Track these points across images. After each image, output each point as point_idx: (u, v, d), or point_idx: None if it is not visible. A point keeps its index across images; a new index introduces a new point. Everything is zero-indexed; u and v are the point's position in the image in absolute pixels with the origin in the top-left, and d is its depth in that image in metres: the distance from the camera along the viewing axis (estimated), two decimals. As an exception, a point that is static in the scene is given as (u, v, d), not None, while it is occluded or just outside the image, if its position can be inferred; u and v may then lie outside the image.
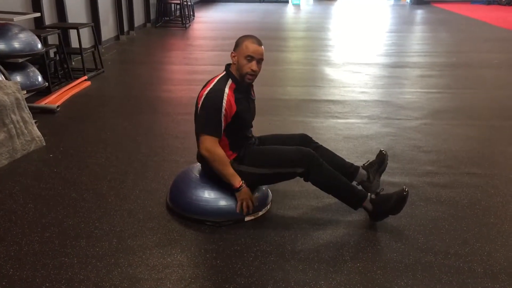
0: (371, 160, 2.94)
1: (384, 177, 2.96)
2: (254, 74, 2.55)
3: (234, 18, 12.96)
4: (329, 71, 6.42)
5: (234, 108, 2.52)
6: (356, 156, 3.50)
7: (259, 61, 2.54)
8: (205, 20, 12.42)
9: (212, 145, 2.50)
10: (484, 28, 11.00)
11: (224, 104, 2.47)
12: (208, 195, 2.61)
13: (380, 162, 2.91)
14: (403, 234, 2.50)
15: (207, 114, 2.51)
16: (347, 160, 2.87)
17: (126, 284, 2.10)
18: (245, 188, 2.56)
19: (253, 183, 2.62)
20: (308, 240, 2.46)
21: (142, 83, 5.80)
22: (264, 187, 2.77)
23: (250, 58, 2.50)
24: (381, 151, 2.97)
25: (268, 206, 2.74)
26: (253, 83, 2.68)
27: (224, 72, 2.62)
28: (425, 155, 3.55)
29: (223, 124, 2.51)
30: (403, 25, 11.71)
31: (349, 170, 2.80)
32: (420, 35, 10.27)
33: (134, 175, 3.18)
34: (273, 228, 2.56)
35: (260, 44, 2.54)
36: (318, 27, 11.25)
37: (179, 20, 11.12)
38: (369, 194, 2.59)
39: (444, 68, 6.66)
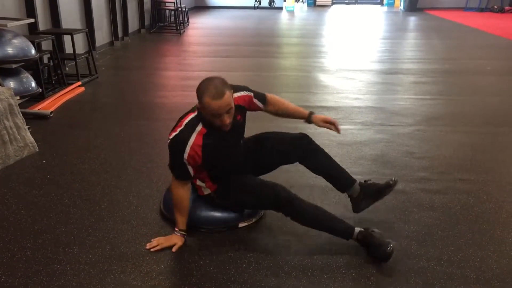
0: (375, 182, 2.66)
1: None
2: (228, 124, 2.29)
3: (229, 24, 12.99)
4: (323, 77, 6.45)
5: (199, 161, 2.33)
6: (350, 162, 3.52)
7: (228, 111, 2.23)
8: (200, 26, 12.45)
9: (175, 186, 2.42)
10: (477, 35, 11.09)
11: (185, 157, 2.30)
12: (202, 202, 2.61)
13: (381, 189, 2.61)
14: (396, 240, 2.50)
15: (172, 160, 2.41)
16: (345, 168, 2.70)
17: (119, 291, 2.09)
18: (175, 237, 2.43)
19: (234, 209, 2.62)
20: (301, 246, 2.46)
21: (136, 89, 5.80)
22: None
23: (217, 115, 2.22)
24: (390, 180, 2.62)
25: (262, 213, 2.74)
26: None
27: (196, 113, 2.35)
28: (418, 161, 3.57)
29: (191, 170, 2.37)
30: (396, 31, 11.78)
31: (344, 182, 2.66)
32: (413, 42, 10.33)
33: (128, 182, 3.17)
34: (266, 235, 2.57)
35: (222, 95, 2.16)
36: (312, 33, 11.30)
37: (174, 26, 11.13)
38: (355, 230, 2.36)
39: (437, 74, 6.70)
